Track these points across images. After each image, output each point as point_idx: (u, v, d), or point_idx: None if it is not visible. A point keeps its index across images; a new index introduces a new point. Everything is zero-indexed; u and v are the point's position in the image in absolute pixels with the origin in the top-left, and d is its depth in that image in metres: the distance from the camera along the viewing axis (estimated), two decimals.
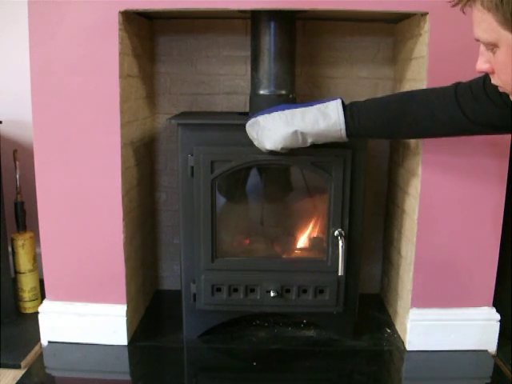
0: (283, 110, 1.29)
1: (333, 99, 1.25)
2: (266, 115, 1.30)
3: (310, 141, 1.28)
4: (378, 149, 1.79)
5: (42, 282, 1.57)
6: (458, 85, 1.13)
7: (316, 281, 1.50)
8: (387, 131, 1.26)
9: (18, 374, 1.40)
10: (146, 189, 1.74)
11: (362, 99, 1.28)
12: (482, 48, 0.83)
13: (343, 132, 1.23)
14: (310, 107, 1.27)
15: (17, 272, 1.70)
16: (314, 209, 1.58)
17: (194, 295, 1.52)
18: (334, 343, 1.56)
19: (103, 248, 1.48)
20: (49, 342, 1.53)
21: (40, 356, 1.48)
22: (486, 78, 1.04)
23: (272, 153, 1.34)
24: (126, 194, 1.48)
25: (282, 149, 1.30)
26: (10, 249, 1.68)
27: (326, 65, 1.74)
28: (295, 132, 1.26)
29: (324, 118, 1.23)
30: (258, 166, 1.53)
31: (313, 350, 1.53)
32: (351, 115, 1.23)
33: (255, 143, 1.35)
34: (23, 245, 1.68)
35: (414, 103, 1.18)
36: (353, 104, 1.26)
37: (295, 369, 1.45)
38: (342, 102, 1.25)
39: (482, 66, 0.85)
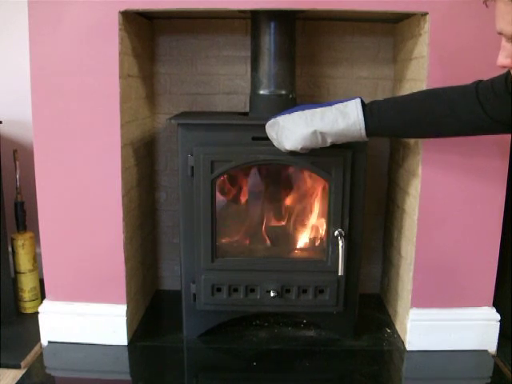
0: (303, 110, 1.28)
1: (352, 98, 1.25)
2: (286, 115, 1.30)
3: (329, 141, 1.27)
4: (378, 149, 1.79)
5: (42, 282, 1.57)
6: (479, 82, 1.12)
7: (316, 281, 1.50)
8: (407, 130, 1.25)
9: (17, 374, 1.40)
10: (145, 189, 1.74)
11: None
12: (504, 42, 0.82)
13: (363, 131, 1.22)
14: (330, 107, 1.26)
15: (17, 272, 1.70)
16: (314, 209, 1.58)
17: (194, 295, 1.52)
18: (334, 343, 1.56)
19: (103, 248, 1.48)
20: (49, 342, 1.53)
21: (40, 356, 1.48)
22: (508, 74, 1.02)
23: (292, 153, 1.34)
24: (126, 194, 1.48)
25: (301, 149, 1.30)
26: (10, 249, 1.68)
27: (326, 65, 1.74)
28: (315, 132, 1.25)
29: (343, 118, 1.23)
30: (257, 166, 1.52)
31: (313, 349, 1.53)
32: (371, 114, 1.22)
33: (274, 143, 1.35)
34: (23, 245, 1.68)
35: (434, 102, 1.17)
36: (373, 103, 1.25)
37: (295, 369, 1.45)
38: (362, 101, 1.24)
39: (502, 60, 0.84)
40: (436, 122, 1.18)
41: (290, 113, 1.30)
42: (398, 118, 1.22)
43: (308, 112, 1.27)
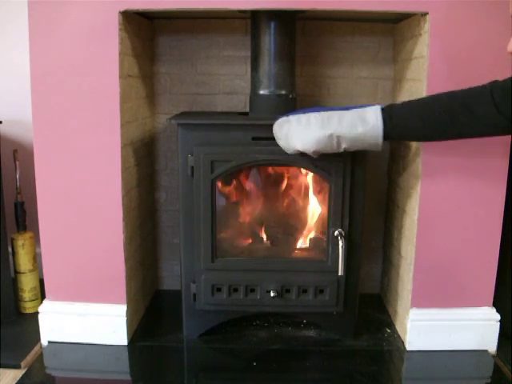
0: (319, 111, 1.26)
1: (371, 105, 1.23)
2: (301, 115, 1.27)
3: (344, 146, 1.24)
4: None
5: (42, 282, 1.58)
6: (494, 82, 1.12)
7: (316, 281, 1.50)
8: (424, 133, 1.24)
9: (18, 374, 1.40)
10: (145, 189, 1.74)
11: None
12: None
13: (380, 137, 1.21)
14: (348, 111, 1.24)
15: (17, 272, 1.70)
16: (314, 208, 1.58)
17: (194, 295, 1.52)
18: (334, 343, 1.56)
19: (103, 248, 1.48)
20: (49, 341, 1.53)
21: (40, 356, 1.48)
22: None
23: (301, 154, 1.31)
24: (126, 194, 1.48)
25: (313, 152, 1.27)
26: (10, 249, 1.68)
27: (326, 65, 1.74)
28: (331, 135, 1.22)
29: (362, 123, 1.21)
30: (257, 166, 1.52)
31: (313, 349, 1.53)
32: (389, 119, 1.21)
33: (280, 143, 1.31)
34: (23, 245, 1.68)
35: (451, 105, 1.16)
36: (390, 107, 1.24)
37: (295, 369, 1.45)
38: (381, 108, 1.22)
39: None
40: (453, 124, 1.16)
41: (304, 113, 1.28)
42: (415, 123, 1.20)
43: (324, 114, 1.25)
